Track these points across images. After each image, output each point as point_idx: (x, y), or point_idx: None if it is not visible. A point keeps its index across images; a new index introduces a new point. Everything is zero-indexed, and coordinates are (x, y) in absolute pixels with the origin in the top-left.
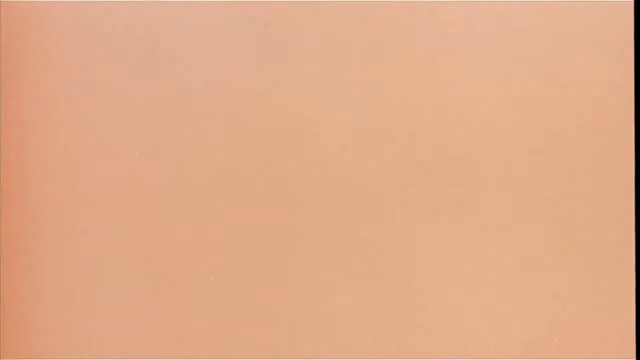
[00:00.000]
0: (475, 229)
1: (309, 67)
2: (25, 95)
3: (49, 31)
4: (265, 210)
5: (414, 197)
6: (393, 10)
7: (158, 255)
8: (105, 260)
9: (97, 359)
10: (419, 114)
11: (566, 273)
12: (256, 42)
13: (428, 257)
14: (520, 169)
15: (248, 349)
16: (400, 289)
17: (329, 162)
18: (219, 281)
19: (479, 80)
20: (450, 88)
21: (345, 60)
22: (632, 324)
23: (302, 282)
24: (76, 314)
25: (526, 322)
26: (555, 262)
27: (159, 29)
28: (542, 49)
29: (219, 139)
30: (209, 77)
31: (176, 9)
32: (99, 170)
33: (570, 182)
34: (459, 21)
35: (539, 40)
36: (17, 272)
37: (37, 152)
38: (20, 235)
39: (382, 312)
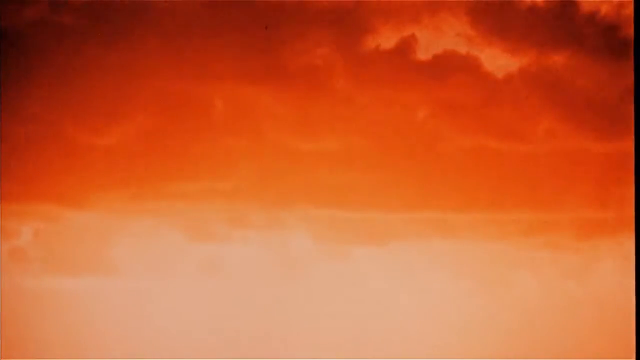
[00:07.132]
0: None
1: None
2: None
3: None
4: None
5: None
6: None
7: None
8: (105, 262)
9: (97, 359)
10: None
11: (566, 274)
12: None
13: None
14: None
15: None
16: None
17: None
18: None
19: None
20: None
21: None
22: (632, 325)
23: None
24: (76, 315)
25: (526, 322)
26: (555, 264)
27: (158, 29)
28: None
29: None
30: (207, 77)
31: (177, 9)
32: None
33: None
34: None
35: None
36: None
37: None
38: (20, 236)
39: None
